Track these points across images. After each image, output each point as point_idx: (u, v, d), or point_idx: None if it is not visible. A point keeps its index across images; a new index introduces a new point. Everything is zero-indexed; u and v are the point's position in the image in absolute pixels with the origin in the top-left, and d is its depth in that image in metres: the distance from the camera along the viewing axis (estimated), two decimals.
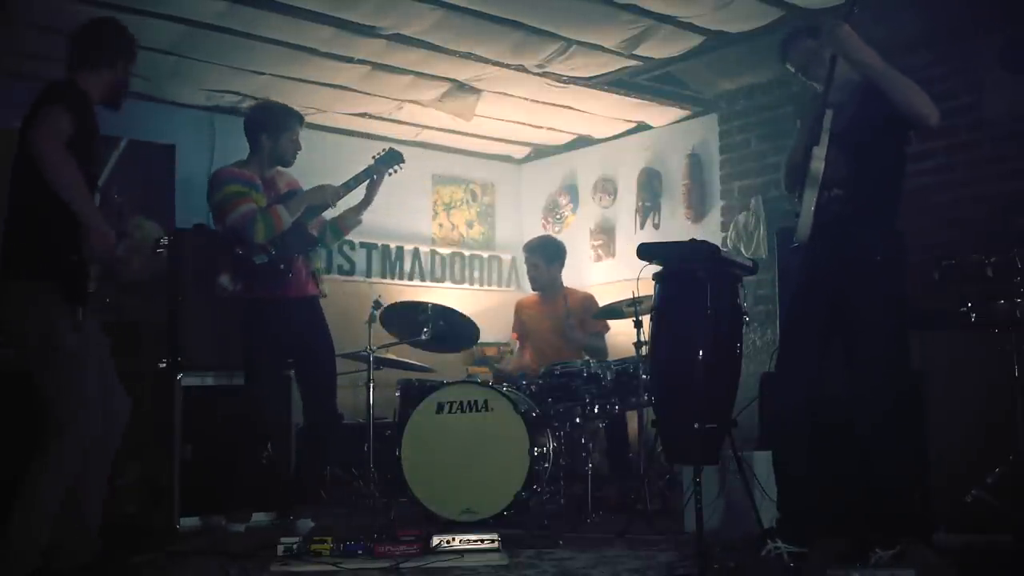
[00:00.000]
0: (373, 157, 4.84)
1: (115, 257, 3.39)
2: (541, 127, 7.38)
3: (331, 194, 4.60)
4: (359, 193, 4.83)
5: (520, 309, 6.41)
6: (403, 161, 4.90)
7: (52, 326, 3.24)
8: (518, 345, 6.40)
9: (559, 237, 7.13)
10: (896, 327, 3.62)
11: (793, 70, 3.80)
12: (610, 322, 6.13)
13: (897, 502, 3.52)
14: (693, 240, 4.10)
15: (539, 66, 6.00)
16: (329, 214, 4.79)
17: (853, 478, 3.66)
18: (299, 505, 4.46)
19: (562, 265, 6.32)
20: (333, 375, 4.52)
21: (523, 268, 8.02)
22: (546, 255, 6.26)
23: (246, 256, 4.32)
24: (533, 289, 6.35)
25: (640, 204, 7.29)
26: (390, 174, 4.87)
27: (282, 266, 4.34)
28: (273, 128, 4.55)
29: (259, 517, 4.83)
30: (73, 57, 3.50)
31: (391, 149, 4.90)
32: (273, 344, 4.43)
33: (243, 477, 4.47)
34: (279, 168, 4.66)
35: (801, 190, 3.57)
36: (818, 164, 3.47)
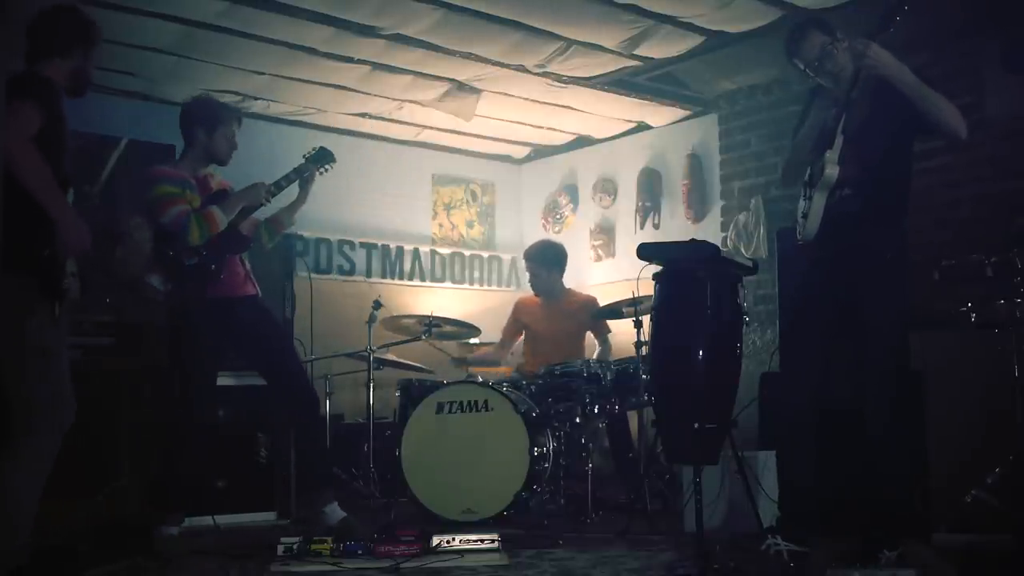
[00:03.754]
0: (304, 156, 4.71)
1: (88, 251, 3.32)
2: (541, 127, 7.38)
3: (264, 192, 4.48)
4: (293, 192, 4.69)
5: (520, 309, 6.38)
6: (334, 160, 4.75)
7: (27, 320, 3.18)
8: (502, 339, 6.37)
9: (559, 237, 7.15)
10: (902, 327, 3.62)
11: (802, 67, 3.75)
12: (610, 322, 6.14)
13: (898, 502, 3.52)
14: (693, 240, 4.10)
15: (539, 66, 6.00)
16: (262, 213, 4.72)
17: (855, 478, 3.66)
18: (320, 492, 4.40)
19: (563, 270, 6.31)
20: (291, 359, 4.42)
21: (524, 268, 8.06)
22: (545, 262, 6.24)
23: (176, 257, 4.27)
24: (535, 294, 6.34)
25: (640, 204, 7.29)
26: (321, 172, 4.74)
27: (213, 267, 4.28)
28: (208, 123, 4.43)
29: (264, 517, 4.85)
30: (31, 46, 3.39)
31: (321, 148, 4.75)
32: (204, 343, 4.33)
33: (180, 478, 4.34)
34: (211, 169, 4.55)
35: (810, 191, 3.57)
36: (832, 170, 3.47)
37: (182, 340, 4.34)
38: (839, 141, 3.51)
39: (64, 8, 3.50)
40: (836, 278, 3.62)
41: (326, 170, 4.76)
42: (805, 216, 3.61)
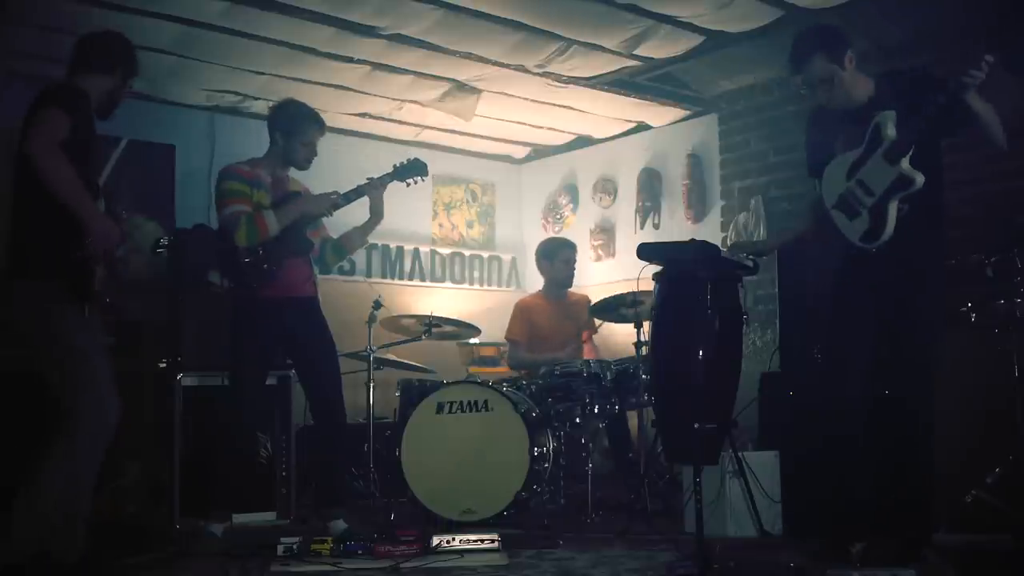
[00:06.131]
0: (394, 165, 4.65)
1: (117, 254, 3.41)
2: (541, 127, 7.39)
3: (329, 205, 4.46)
4: (363, 211, 4.61)
5: (527, 308, 6.23)
6: (424, 173, 4.66)
7: (60, 324, 3.27)
8: (521, 343, 6.18)
9: (559, 237, 7.15)
10: (943, 328, 3.64)
11: (800, 82, 3.66)
12: (610, 323, 6.14)
13: (927, 501, 3.53)
14: (693, 240, 4.10)
15: (539, 66, 6.00)
16: (335, 228, 4.71)
17: (882, 477, 3.59)
18: (330, 507, 4.41)
19: None
20: (333, 375, 4.43)
21: (524, 268, 8.07)
22: (576, 251, 6.35)
23: (233, 253, 4.29)
24: (564, 287, 6.25)
25: (640, 204, 7.29)
26: (408, 184, 4.68)
27: (266, 265, 4.29)
28: (287, 129, 4.43)
29: (264, 517, 4.85)
30: (75, 60, 3.53)
31: (415, 159, 4.67)
32: (257, 343, 4.35)
33: (226, 478, 4.36)
34: (291, 171, 4.57)
35: (872, 200, 3.51)
36: (919, 176, 3.44)
37: (235, 340, 4.36)
38: (909, 150, 3.43)
39: (116, 33, 3.70)
40: (883, 279, 3.57)
41: (413, 183, 4.68)
42: (875, 224, 3.52)
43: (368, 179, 4.56)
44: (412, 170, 4.65)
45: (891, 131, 3.45)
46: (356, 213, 4.64)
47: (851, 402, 3.57)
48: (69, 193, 3.21)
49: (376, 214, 4.61)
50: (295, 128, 4.44)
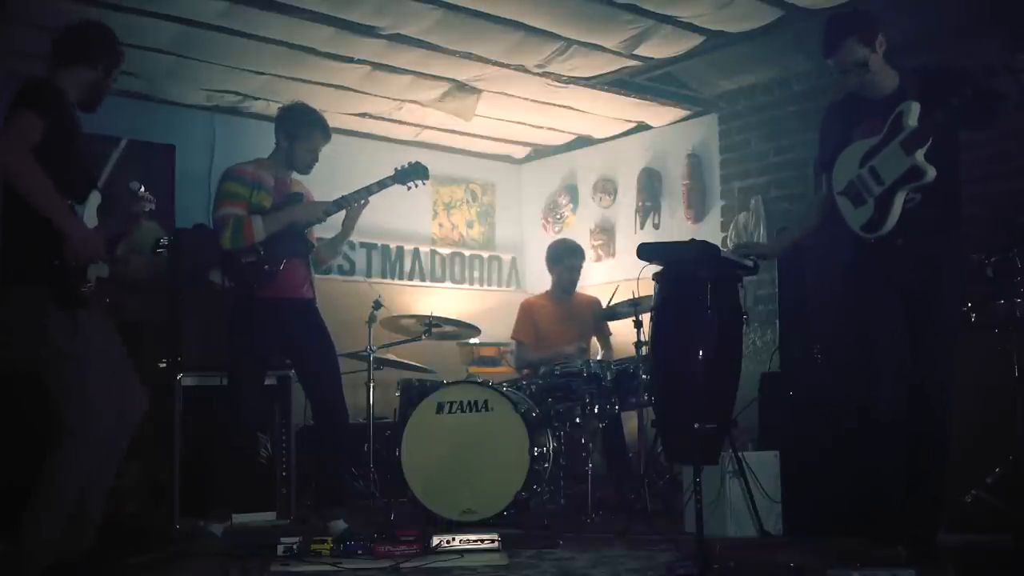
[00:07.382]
0: (395, 169, 4.66)
1: (107, 258, 3.38)
2: (541, 127, 7.39)
3: (320, 213, 4.48)
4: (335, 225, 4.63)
5: (532, 309, 6.23)
6: (425, 177, 4.68)
7: (47, 329, 3.23)
8: (525, 343, 6.16)
9: (559, 237, 7.14)
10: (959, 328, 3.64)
11: (833, 66, 3.63)
12: (611, 323, 6.13)
13: (937, 499, 3.54)
14: (693, 240, 4.10)
15: (539, 66, 6.00)
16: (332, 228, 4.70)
17: (894, 478, 3.57)
18: (330, 507, 4.41)
19: None
20: (331, 376, 4.44)
21: (524, 268, 8.07)
22: (583, 258, 6.34)
23: (234, 253, 4.30)
24: (567, 292, 6.23)
25: (640, 204, 7.29)
26: (409, 188, 4.69)
27: (266, 266, 4.30)
28: (292, 133, 4.46)
29: (264, 517, 4.85)
30: (53, 54, 3.47)
31: (417, 163, 4.69)
32: (256, 342, 4.35)
33: (225, 477, 4.38)
34: (294, 173, 4.56)
35: (890, 192, 3.47)
36: (932, 171, 3.39)
37: (233, 340, 4.37)
38: (927, 141, 3.40)
39: (95, 23, 3.59)
40: (904, 275, 3.54)
41: (414, 186, 4.70)
42: (878, 214, 3.49)
43: (364, 186, 4.54)
44: (413, 174, 4.67)
45: (913, 120, 3.43)
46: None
47: (885, 400, 3.54)
48: (41, 200, 3.15)
49: (346, 230, 4.63)
50: (300, 132, 4.46)
